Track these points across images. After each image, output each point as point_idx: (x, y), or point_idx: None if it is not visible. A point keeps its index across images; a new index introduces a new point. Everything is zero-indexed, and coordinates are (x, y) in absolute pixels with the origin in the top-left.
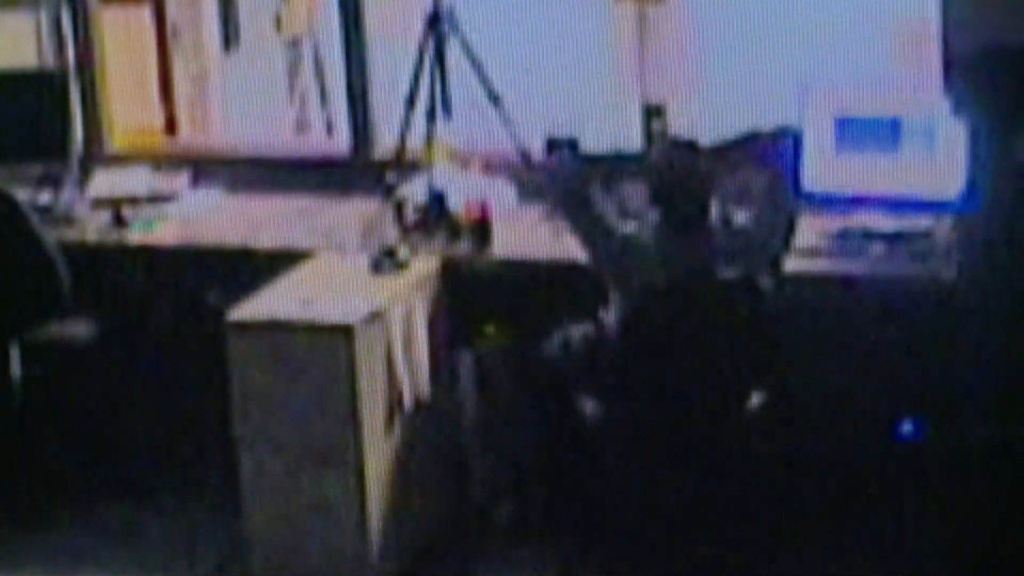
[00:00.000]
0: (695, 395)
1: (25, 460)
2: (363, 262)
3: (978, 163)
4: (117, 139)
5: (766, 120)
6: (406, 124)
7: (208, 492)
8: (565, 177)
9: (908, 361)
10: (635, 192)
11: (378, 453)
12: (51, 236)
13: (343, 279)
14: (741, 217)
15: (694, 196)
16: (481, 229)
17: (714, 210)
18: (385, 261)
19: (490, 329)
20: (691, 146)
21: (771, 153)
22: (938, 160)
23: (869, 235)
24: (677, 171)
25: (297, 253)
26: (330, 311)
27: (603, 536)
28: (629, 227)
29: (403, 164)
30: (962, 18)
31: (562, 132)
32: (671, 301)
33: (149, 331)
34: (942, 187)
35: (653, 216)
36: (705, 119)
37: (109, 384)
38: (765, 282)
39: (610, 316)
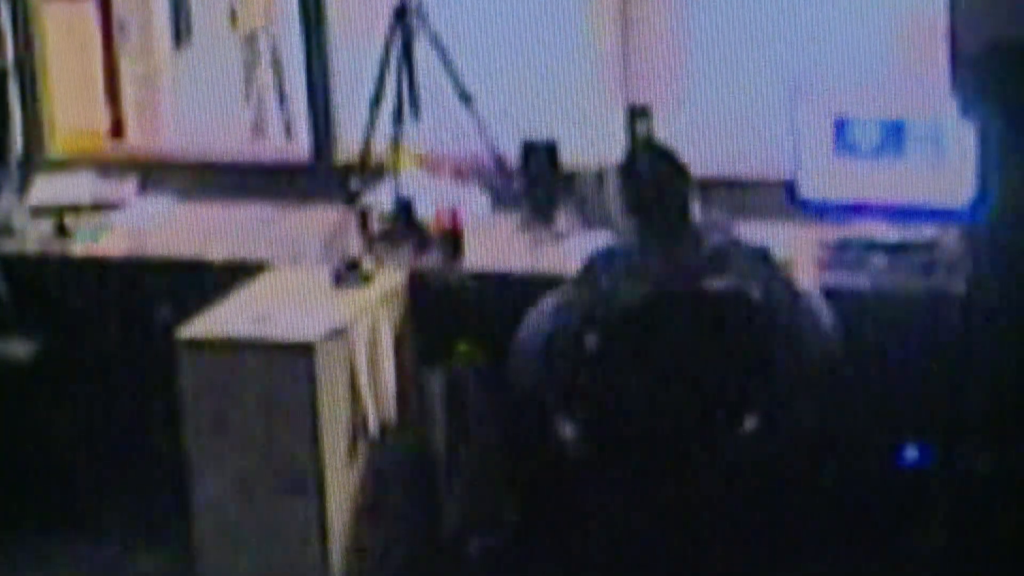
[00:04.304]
0: (683, 418)
1: None
2: (324, 275)
3: (988, 168)
4: (59, 143)
5: (760, 124)
6: (371, 126)
7: (157, 524)
8: None
9: (913, 382)
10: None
11: (341, 481)
12: None
13: (303, 293)
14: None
15: (675, 201)
16: (452, 239)
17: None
18: (348, 274)
19: (462, 347)
20: (669, 153)
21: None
22: (945, 165)
23: (871, 246)
24: (656, 175)
25: (253, 265)
26: (289, 328)
27: (582, 570)
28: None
29: (368, 169)
30: (971, 11)
31: (539, 135)
32: (655, 315)
33: (93, 350)
34: (949, 194)
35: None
36: (694, 120)
37: (49, 407)
38: (757, 293)
39: (590, 333)
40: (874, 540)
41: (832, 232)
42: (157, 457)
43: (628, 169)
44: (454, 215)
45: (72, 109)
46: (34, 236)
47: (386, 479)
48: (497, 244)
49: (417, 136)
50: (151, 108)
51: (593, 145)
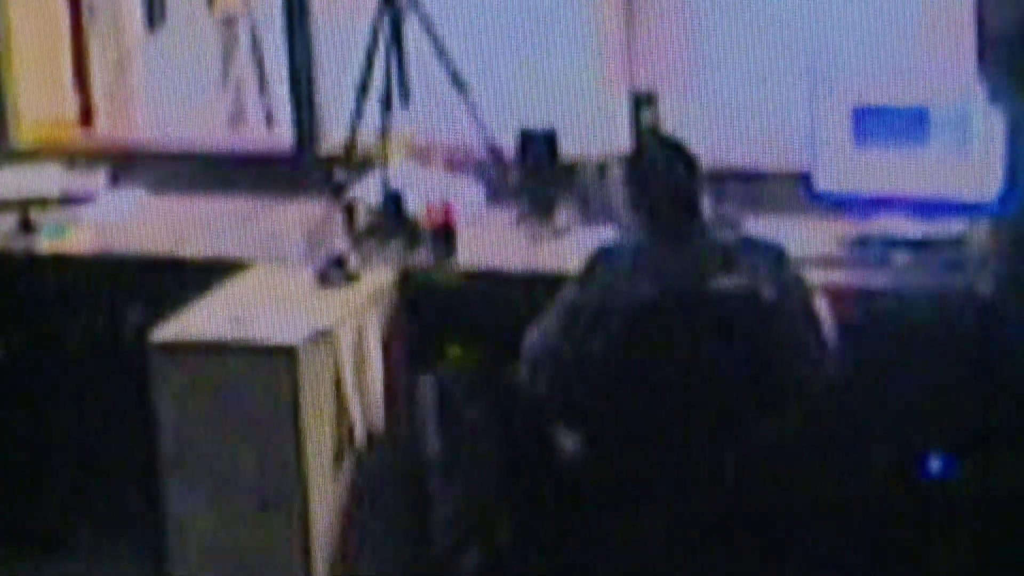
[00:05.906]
0: (690, 427)
1: None
2: (308, 274)
3: (1018, 158)
4: (25, 132)
5: (774, 111)
6: (358, 115)
7: (128, 540)
8: None
9: (937, 388)
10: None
11: (325, 494)
12: None
13: (285, 293)
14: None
15: (683, 195)
16: (444, 235)
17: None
18: (333, 272)
19: (454, 350)
20: (677, 144)
21: None
22: (972, 155)
23: (892, 242)
24: (663, 167)
25: (232, 263)
26: (270, 330)
27: None
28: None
29: (354, 161)
30: None
31: (537, 123)
32: (661, 316)
33: (60, 353)
34: (977, 186)
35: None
36: (703, 108)
37: (12, 414)
38: (769, 293)
39: (592, 335)
40: (896, 554)
41: (851, 227)
42: (129, 467)
43: (634, 161)
44: (446, 209)
45: (38, 96)
46: None
47: (373, 491)
48: (492, 240)
49: (407, 125)
50: (122, 95)
51: (595, 134)
